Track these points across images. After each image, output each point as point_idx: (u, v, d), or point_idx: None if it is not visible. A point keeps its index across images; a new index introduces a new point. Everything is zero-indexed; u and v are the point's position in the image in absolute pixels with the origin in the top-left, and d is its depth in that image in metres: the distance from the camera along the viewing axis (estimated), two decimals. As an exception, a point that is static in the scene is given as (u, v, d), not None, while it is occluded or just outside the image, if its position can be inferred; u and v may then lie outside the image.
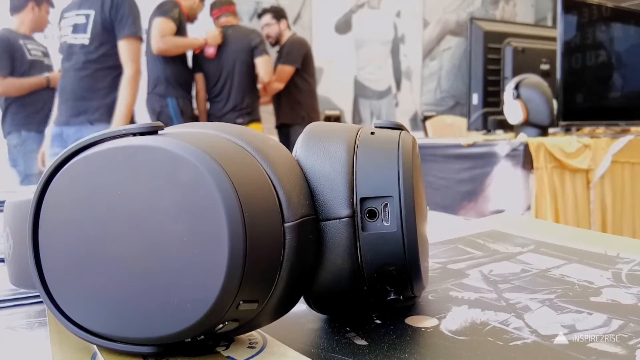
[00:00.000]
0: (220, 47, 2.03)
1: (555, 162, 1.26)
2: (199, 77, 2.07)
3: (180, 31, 1.91)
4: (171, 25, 1.86)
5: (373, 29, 3.12)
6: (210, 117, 2.08)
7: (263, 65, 2.03)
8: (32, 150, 1.81)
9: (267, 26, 2.27)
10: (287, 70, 2.18)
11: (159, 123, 0.18)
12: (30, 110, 1.82)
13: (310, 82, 2.26)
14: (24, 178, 1.82)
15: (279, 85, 2.18)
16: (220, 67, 2.04)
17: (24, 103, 1.81)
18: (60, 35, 1.61)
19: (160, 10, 1.88)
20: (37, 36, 1.94)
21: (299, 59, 2.19)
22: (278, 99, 2.27)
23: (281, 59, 2.21)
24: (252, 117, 2.07)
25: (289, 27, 2.30)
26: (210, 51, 2.03)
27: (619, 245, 0.34)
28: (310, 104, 2.26)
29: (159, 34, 1.84)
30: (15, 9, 1.84)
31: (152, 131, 0.18)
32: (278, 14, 2.29)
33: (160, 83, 1.93)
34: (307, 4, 2.88)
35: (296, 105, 2.22)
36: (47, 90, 1.83)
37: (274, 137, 2.38)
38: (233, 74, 2.03)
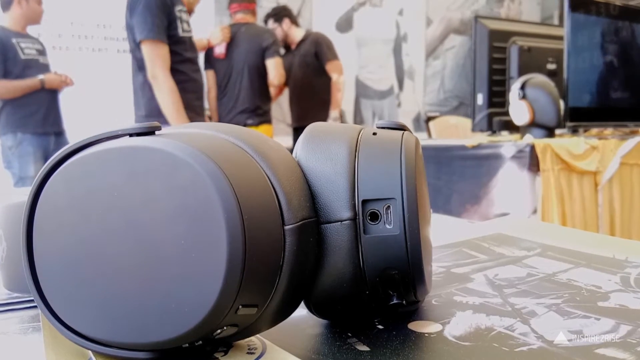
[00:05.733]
0: (231, 47, 2.02)
1: (562, 164, 1.25)
2: (210, 75, 2.06)
3: None
4: None
5: (375, 28, 3.11)
6: (219, 117, 2.08)
7: (274, 67, 2.02)
8: (27, 152, 1.79)
9: (273, 31, 2.29)
10: (339, 64, 2.22)
11: (156, 123, 0.18)
12: (26, 112, 1.79)
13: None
14: (18, 180, 1.80)
15: (342, 77, 2.23)
16: (231, 67, 2.03)
17: (19, 104, 1.78)
18: (184, 29, 1.53)
19: None
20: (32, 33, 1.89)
21: (335, 52, 2.21)
22: (297, 100, 2.26)
23: (324, 56, 2.20)
24: (262, 118, 2.07)
25: (295, 23, 2.28)
26: (220, 51, 2.02)
27: (628, 249, 0.33)
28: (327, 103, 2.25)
29: None
30: (4, 6, 1.80)
31: (149, 132, 0.18)
32: (278, 15, 2.28)
33: None
34: (307, 2, 2.88)
35: (324, 105, 2.21)
36: (44, 91, 1.80)
37: (289, 139, 2.38)
38: (243, 75, 2.02)
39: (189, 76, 1.52)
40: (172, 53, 1.49)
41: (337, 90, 2.21)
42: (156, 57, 1.44)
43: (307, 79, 2.23)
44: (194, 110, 1.55)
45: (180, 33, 1.51)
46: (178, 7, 1.50)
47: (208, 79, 2.06)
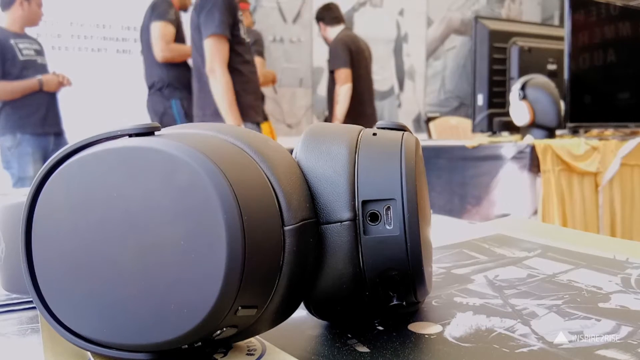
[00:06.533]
0: None
1: (562, 165, 1.25)
2: None
3: (178, 31, 1.91)
4: (171, 30, 1.85)
5: (375, 28, 3.11)
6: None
7: None
8: (27, 153, 1.78)
9: (319, 36, 2.32)
10: (343, 72, 2.15)
11: (156, 124, 0.18)
12: (25, 112, 1.78)
13: (354, 87, 2.17)
14: (17, 181, 1.80)
15: (345, 87, 2.15)
16: None
17: (18, 105, 1.77)
18: (243, 32, 1.57)
19: (157, 13, 1.85)
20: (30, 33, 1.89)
21: (347, 59, 2.14)
22: (329, 105, 2.25)
23: (331, 64, 2.17)
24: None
25: (329, 23, 2.26)
26: None
27: (628, 250, 0.33)
28: (360, 106, 2.18)
29: (162, 40, 1.82)
30: (4, 5, 1.80)
31: (148, 132, 0.18)
32: (317, 18, 2.29)
33: (164, 85, 1.92)
34: (307, 2, 2.88)
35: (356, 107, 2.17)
36: (43, 91, 1.80)
37: (288, 139, 2.37)
38: None
39: (249, 77, 1.56)
40: (236, 53, 1.52)
41: (335, 102, 2.15)
42: (217, 51, 1.47)
43: (328, 85, 2.21)
44: (254, 109, 1.58)
45: (242, 34, 1.54)
46: (239, 12, 1.55)
47: None
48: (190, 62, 2.03)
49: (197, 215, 0.16)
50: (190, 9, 2.05)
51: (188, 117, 1.93)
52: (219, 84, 1.49)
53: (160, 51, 1.83)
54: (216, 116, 1.52)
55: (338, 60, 2.15)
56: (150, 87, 1.95)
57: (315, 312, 0.21)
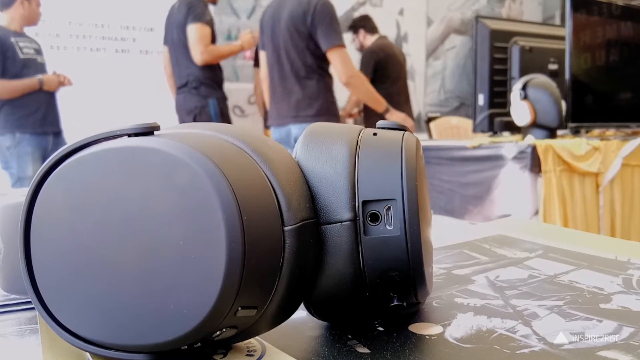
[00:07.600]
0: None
1: (563, 165, 1.25)
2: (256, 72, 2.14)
3: (212, 30, 1.91)
4: (209, 31, 1.85)
5: (375, 27, 3.12)
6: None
7: None
8: (26, 152, 1.79)
9: (353, 42, 2.35)
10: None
11: (155, 123, 0.18)
12: (25, 112, 1.78)
13: (387, 88, 2.18)
14: (17, 181, 1.80)
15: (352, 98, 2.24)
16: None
17: (17, 104, 1.77)
18: None
19: (195, 15, 1.84)
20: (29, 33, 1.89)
21: (368, 70, 2.19)
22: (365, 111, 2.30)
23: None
24: None
25: (369, 32, 2.33)
26: (247, 54, 2.03)
27: (630, 251, 0.33)
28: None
29: (201, 43, 1.82)
30: (5, 4, 1.80)
31: (147, 132, 0.18)
32: (355, 26, 2.35)
33: (199, 84, 1.90)
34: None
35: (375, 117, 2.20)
36: (42, 91, 1.80)
37: None
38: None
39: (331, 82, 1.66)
40: (327, 61, 1.59)
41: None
42: (349, 59, 1.57)
43: None
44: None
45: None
46: None
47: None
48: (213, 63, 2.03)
49: (197, 215, 0.16)
50: (225, 5, 2.05)
51: (223, 116, 1.92)
52: (364, 83, 1.64)
53: (199, 54, 1.82)
54: (318, 117, 1.56)
55: (360, 70, 2.22)
56: (182, 85, 1.92)
57: (316, 312, 0.21)
